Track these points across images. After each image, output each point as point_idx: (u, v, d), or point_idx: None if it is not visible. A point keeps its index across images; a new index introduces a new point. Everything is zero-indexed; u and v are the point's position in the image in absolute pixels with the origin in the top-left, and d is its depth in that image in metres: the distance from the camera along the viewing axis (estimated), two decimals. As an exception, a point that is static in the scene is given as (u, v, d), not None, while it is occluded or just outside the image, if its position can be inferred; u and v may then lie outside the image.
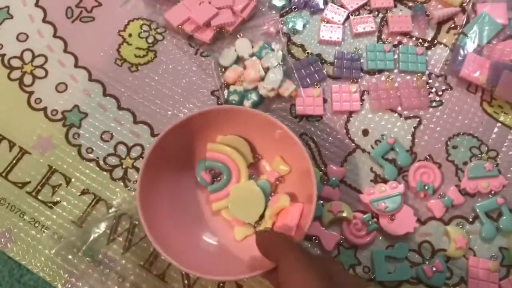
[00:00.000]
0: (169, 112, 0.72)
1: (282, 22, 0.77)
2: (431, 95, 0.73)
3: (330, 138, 0.71)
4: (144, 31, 0.77)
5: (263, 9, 0.78)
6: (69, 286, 0.64)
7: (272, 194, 0.65)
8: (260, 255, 0.51)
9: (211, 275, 0.55)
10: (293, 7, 0.78)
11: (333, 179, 0.68)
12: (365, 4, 0.78)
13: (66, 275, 0.64)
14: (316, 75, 0.74)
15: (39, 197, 0.67)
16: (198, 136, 0.64)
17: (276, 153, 0.65)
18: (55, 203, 0.67)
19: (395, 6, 0.78)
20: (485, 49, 0.73)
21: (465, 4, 0.77)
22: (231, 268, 0.57)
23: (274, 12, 0.78)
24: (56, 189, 0.68)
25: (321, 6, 0.78)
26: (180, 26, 0.75)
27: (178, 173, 0.65)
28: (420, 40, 0.76)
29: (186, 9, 0.76)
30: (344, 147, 0.70)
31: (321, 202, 0.67)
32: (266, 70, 0.72)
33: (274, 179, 0.65)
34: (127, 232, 0.66)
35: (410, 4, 0.78)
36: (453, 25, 0.77)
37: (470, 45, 0.74)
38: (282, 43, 0.75)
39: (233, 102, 0.71)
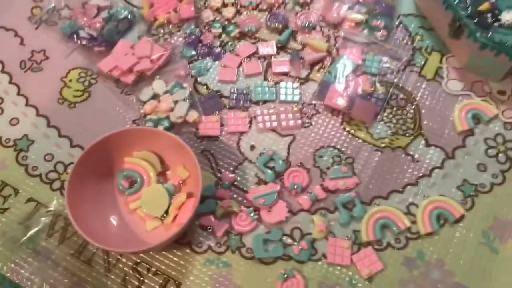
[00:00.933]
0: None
1: (191, 67, 1.00)
2: (303, 119, 0.94)
3: (225, 153, 0.91)
4: (81, 77, 0.99)
5: (176, 58, 1.01)
6: (15, 273, 0.81)
7: (176, 193, 0.84)
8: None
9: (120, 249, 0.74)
10: (199, 56, 1.01)
11: (226, 183, 0.88)
12: (255, 52, 1.01)
13: (12, 264, 0.81)
14: (215, 106, 0.95)
15: (-8, 205, 0.86)
16: (118, 151, 0.84)
17: (179, 163, 0.85)
18: (5, 209, 0.85)
19: (278, 53, 1.01)
20: (344, 82, 0.96)
21: (331, 49, 1.01)
22: (138, 247, 0.76)
23: (184, 60, 1.00)
24: (7, 199, 0.86)
25: (221, 55, 1.01)
26: (109, 72, 0.97)
27: (101, 181, 0.84)
28: (297, 79, 0.98)
29: (114, 59, 0.98)
30: (236, 159, 0.91)
31: (217, 201, 0.86)
32: (176, 103, 0.94)
33: (177, 182, 0.85)
34: (62, 229, 0.84)
35: (289, 50, 1.01)
36: (322, 66, 1.00)
37: (333, 79, 0.96)
38: (190, 83, 0.97)
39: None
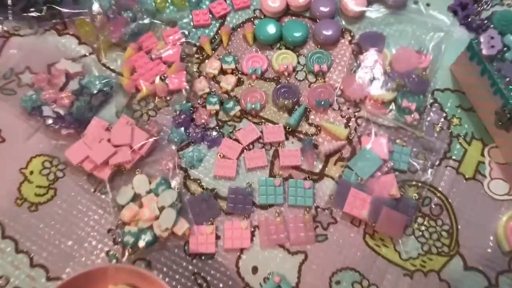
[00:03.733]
0: (67, 253, 0.74)
1: (180, 156, 0.81)
2: (317, 230, 0.77)
3: (222, 277, 0.74)
4: (46, 167, 0.80)
5: (163, 143, 0.82)
6: None
7: None
8: None
9: None
10: (191, 141, 0.82)
11: (222, 319, 0.71)
12: (259, 138, 0.82)
13: None
14: (209, 212, 0.77)
15: None
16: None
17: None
18: None
19: (287, 138, 0.83)
20: (366, 183, 0.79)
21: (352, 137, 0.83)
22: None
23: (173, 145, 0.82)
24: None
25: (218, 140, 0.82)
26: (79, 165, 0.78)
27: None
28: (308, 175, 0.80)
29: (86, 147, 0.79)
30: (235, 286, 0.74)
31: None
32: (162, 209, 0.76)
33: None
34: None
35: (301, 135, 0.83)
36: (340, 157, 0.82)
37: (354, 179, 0.79)
38: (179, 178, 0.79)
39: (128, 243, 0.74)
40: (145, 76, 0.85)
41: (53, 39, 0.89)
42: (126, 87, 0.84)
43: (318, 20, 0.91)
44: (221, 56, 0.88)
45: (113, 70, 0.87)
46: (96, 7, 0.87)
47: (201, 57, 0.88)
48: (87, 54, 0.88)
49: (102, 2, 0.88)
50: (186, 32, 0.89)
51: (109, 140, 0.80)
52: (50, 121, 0.81)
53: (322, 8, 0.90)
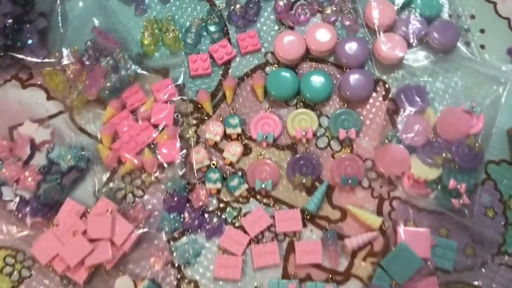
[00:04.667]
0: None
1: (173, 250, 0.66)
2: None
3: None
4: (8, 264, 0.65)
5: (152, 230, 0.66)
6: None
7: None
8: None
9: None
10: (186, 230, 0.67)
11: None
12: (270, 226, 0.67)
13: None
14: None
15: None
16: None
17: None
18: None
19: (305, 225, 0.67)
20: (403, 289, 0.64)
21: (386, 228, 0.67)
22: None
23: (163, 235, 0.66)
24: None
25: (219, 228, 0.67)
26: (49, 264, 0.63)
27: None
28: (331, 275, 0.65)
29: (56, 240, 0.64)
30: None
31: None
32: (150, 323, 0.61)
33: None
34: None
35: (322, 222, 0.67)
36: (370, 251, 0.66)
37: (387, 282, 0.64)
38: (171, 279, 0.64)
39: None
40: (130, 144, 0.69)
41: (15, 92, 0.72)
42: (106, 161, 0.67)
43: (344, 69, 0.72)
44: (224, 117, 0.71)
45: (89, 135, 0.70)
46: (67, 53, 0.69)
47: (199, 118, 0.71)
48: (57, 112, 0.71)
49: (76, 44, 0.71)
50: (182, 85, 0.71)
51: (84, 232, 0.64)
52: (11, 206, 0.65)
53: (350, 54, 0.72)
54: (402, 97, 0.71)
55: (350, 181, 0.68)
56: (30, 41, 0.70)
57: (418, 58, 0.73)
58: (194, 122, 0.71)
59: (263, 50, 0.74)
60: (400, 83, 0.73)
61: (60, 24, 0.72)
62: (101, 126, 0.70)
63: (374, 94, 0.73)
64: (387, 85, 0.73)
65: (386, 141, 0.70)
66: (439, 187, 0.68)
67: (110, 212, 0.65)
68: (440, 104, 0.71)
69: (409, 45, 0.73)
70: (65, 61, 0.70)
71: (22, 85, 0.72)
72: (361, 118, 0.71)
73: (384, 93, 0.73)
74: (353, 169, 0.69)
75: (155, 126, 0.70)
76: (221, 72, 0.74)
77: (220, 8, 0.75)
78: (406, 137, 0.68)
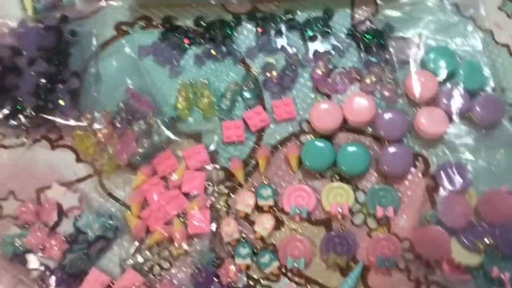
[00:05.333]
0: None
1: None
2: None
3: None
4: (28, 336, 0.62)
5: (178, 306, 0.64)
6: None
7: None
8: None
9: None
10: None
11: None
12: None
13: None
14: None
15: None
16: None
17: None
18: None
19: (338, 310, 0.64)
20: None
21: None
22: None
23: (190, 312, 0.63)
24: None
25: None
26: None
27: None
28: None
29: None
30: None
31: None
32: None
33: None
34: None
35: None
36: None
37: None
38: None
39: None
40: (159, 213, 0.67)
41: (44, 153, 0.71)
42: (134, 230, 0.65)
43: (383, 142, 0.70)
44: (256, 187, 0.68)
45: (118, 200, 0.68)
46: (98, 115, 0.68)
47: (230, 187, 0.69)
48: (86, 175, 0.69)
49: (108, 104, 0.69)
50: (214, 151, 0.69)
51: (108, 307, 0.62)
52: (35, 274, 0.63)
53: (389, 127, 0.70)
54: (442, 174, 0.68)
55: (386, 263, 0.65)
56: (62, 103, 0.68)
57: (460, 133, 0.70)
58: (226, 191, 0.69)
59: (298, 118, 0.72)
60: (440, 159, 0.70)
61: (93, 85, 0.71)
62: (131, 192, 0.68)
63: (413, 170, 0.70)
64: (427, 161, 0.70)
65: (425, 221, 0.66)
66: (481, 274, 0.64)
67: (137, 285, 0.62)
68: (482, 184, 0.68)
69: (451, 120, 0.70)
70: (96, 124, 0.68)
71: (51, 145, 0.71)
72: (399, 195, 0.68)
73: (423, 168, 0.70)
74: (390, 250, 0.66)
75: (186, 195, 0.67)
76: (254, 139, 0.71)
77: (256, 74, 0.73)
78: (446, 219, 0.65)
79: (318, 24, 0.75)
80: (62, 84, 0.69)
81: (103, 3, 0.75)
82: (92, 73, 0.72)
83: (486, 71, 0.72)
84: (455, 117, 0.70)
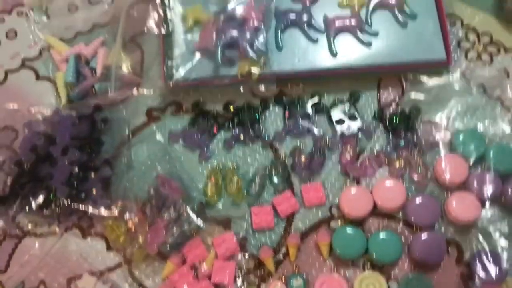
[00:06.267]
0: None
1: None
2: None
3: None
4: None
5: None
6: None
7: None
8: None
9: None
10: None
11: None
12: None
13: None
14: None
15: None
16: None
17: None
18: None
19: None
20: None
21: None
22: None
23: None
24: None
25: None
26: None
27: None
28: None
29: None
30: None
31: None
32: None
33: None
34: None
35: None
36: None
37: None
38: None
39: None
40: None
41: (76, 242, 0.71)
42: None
43: (414, 228, 0.69)
44: (286, 275, 0.67)
45: (148, 290, 0.68)
46: (130, 204, 0.68)
47: (260, 276, 0.68)
48: (116, 264, 0.69)
49: (138, 190, 0.70)
50: (244, 238, 0.69)
51: None
52: None
53: (420, 213, 0.69)
54: (477, 263, 0.66)
55: None
56: (94, 192, 0.69)
57: (493, 218, 0.69)
58: (256, 281, 0.68)
59: (327, 203, 0.72)
60: (474, 246, 0.68)
61: (125, 173, 0.72)
62: (160, 283, 0.68)
63: (446, 257, 0.68)
64: (460, 247, 0.69)
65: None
66: None
67: None
68: (519, 273, 0.66)
69: (483, 204, 0.69)
70: (127, 213, 0.68)
71: (82, 233, 0.71)
72: (433, 284, 0.67)
73: (457, 255, 0.69)
74: None
75: (216, 286, 0.67)
76: (284, 225, 0.71)
77: (284, 158, 0.73)
78: (483, 310, 0.63)
79: (345, 107, 0.76)
80: (94, 172, 0.70)
81: (135, 92, 0.76)
82: (124, 161, 0.72)
83: (517, 153, 0.71)
84: (487, 202, 0.69)
